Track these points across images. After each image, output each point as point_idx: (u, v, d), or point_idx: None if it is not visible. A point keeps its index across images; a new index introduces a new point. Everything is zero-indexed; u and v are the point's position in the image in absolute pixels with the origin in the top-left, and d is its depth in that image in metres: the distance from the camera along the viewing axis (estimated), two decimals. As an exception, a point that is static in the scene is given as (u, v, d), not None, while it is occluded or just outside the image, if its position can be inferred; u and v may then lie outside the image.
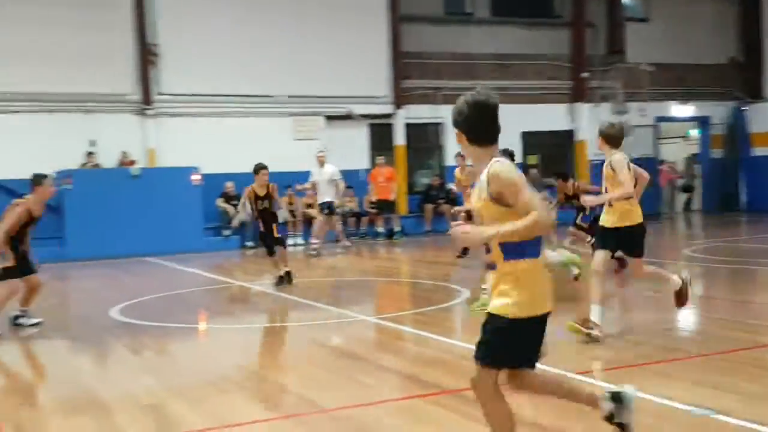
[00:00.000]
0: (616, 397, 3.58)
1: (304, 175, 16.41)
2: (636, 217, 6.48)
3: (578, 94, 22.46)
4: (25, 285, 8.25)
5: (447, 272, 12.24)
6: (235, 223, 17.73)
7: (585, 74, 22.42)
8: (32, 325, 8.31)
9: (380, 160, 19.07)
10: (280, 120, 19.35)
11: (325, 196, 15.66)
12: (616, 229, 6.47)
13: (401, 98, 20.55)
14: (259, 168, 10.69)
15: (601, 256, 6.55)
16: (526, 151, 20.99)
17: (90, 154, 17.39)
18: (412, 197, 20.54)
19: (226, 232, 17.80)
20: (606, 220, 6.55)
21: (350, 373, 5.87)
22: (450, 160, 21.23)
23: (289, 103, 19.43)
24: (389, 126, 20.58)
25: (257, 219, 10.89)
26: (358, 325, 8.13)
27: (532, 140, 21.29)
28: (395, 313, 8.56)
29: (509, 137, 21.79)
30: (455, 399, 4.88)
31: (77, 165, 17.07)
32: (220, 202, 17.99)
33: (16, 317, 8.36)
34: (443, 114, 21.14)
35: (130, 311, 9.10)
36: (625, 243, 6.57)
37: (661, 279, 6.83)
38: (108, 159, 17.61)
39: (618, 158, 6.36)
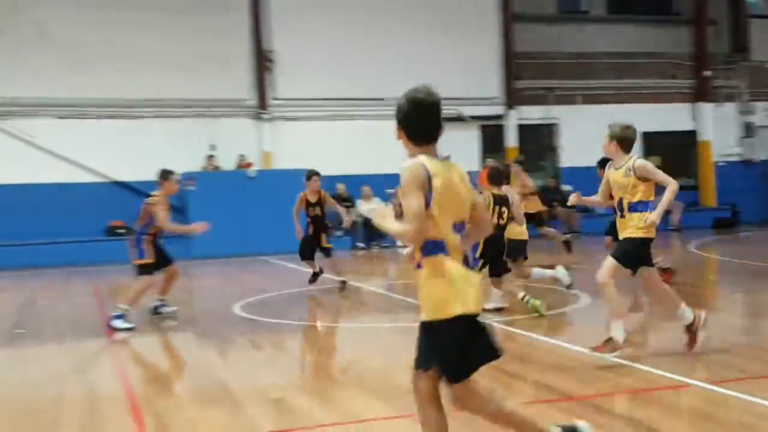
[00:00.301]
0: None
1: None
2: None
3: (701, 93, 21.57)
4: (165, 275, 8.83)
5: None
6: (346, 224, 18.00)
7: (707, 73, 21.53)
8: (172, 312, 8.90)
9: (489, 161, 18.87)
10: (390, 123, 19.43)
11: None
12: (651, 239, 5.88)
13: (513, 99, 20.35)
14: (311, 174, 10.88)
15: (613, 268, 5.79)
16: (647, 152, 20.31)
17: (210, 157, 18.14)
18: (525, 199, 20.28)
19: (338, 233, 18.09)
20: (649, 231, 5.81)
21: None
22: (565, 161, 20.86)
23: (400, 106, 19.57)
24: (500, 127, 20.41)
25: (309, 225, 10.94)
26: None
27: (652, 141, 20.56)
28: (510, 317, 8.48)
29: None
30: (580, 406, 4.80)
31: (199, 167, 17.84)
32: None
33: (156, 307, 8.94)
34: (556, 114, 20.82)
35: (250, 308, 9.46)
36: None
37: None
38: (227, 162, 18.31)
39: (643, 163, 5.93)
